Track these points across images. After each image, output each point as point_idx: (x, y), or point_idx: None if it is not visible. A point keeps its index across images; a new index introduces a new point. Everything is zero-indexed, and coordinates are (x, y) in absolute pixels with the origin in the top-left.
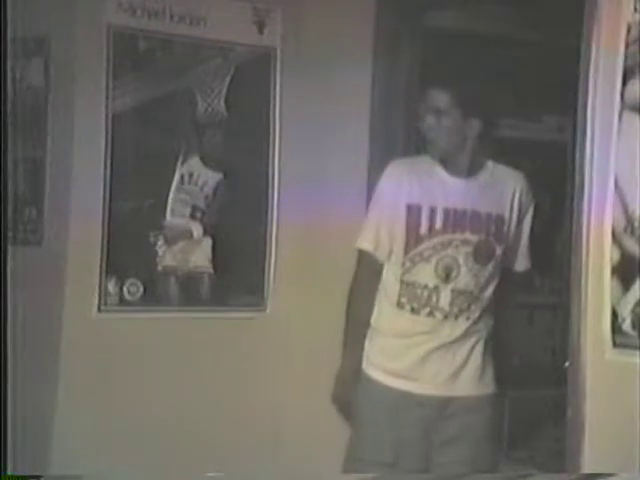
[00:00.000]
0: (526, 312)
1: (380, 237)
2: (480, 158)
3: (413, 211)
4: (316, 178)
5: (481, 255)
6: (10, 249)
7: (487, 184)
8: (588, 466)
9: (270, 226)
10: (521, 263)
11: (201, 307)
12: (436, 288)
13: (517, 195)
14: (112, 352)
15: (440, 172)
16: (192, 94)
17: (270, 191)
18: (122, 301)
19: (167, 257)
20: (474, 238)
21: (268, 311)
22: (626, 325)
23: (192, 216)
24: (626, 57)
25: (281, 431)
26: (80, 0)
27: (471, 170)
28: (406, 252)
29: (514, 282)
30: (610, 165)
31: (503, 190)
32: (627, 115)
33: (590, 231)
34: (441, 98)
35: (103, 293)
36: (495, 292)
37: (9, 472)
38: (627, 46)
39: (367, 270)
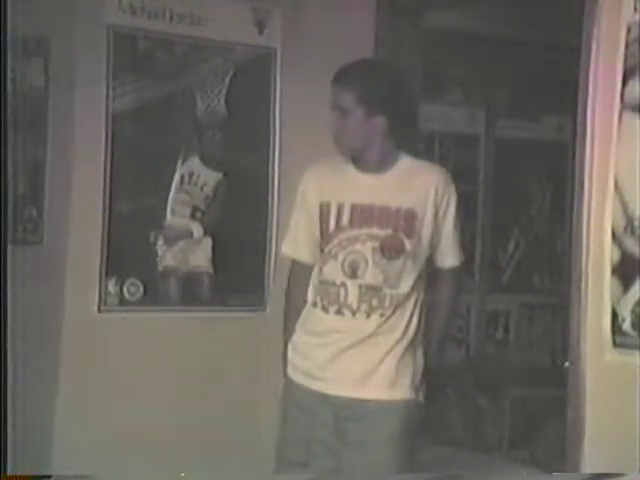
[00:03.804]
0: (526, 312)
1: (299, 240)
2: (393, 153)
3: (324, 209)
4: None
5: (388, 250)
6: (10, 249)
7: (399, 179)
8: (588, 466)
9: (270, 226)
10: (446, 260)
11: (201, 307)
12: (343, 284)
13: (433, 190)
14: (112, 352)
15: (350, 169)
16: (192, 94)
17: (270, 191)
18: (122, 301)
19: (167, 257)
20: (381, 233)
21: (268, 311)
22: (626, 325)
23: (192, 216)
24: (626, 57)
25: None
26: (80, 0)
27: (382, 166)
28: (322, 251)
29: (443, 280)
30: (610, 165)
31: (418, 185)
32: (627, 115)
33: (590, 231)
34: (344, 97)
35: (103, 293)
36: (419, 290)
37: (9, 472)
38: (627, 46)
39: (294, 273)
